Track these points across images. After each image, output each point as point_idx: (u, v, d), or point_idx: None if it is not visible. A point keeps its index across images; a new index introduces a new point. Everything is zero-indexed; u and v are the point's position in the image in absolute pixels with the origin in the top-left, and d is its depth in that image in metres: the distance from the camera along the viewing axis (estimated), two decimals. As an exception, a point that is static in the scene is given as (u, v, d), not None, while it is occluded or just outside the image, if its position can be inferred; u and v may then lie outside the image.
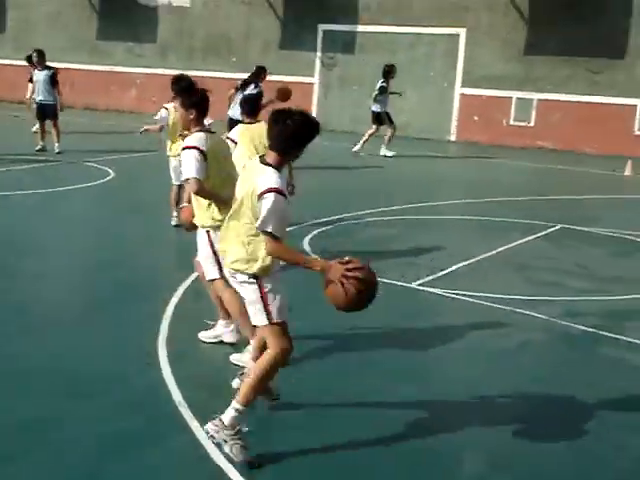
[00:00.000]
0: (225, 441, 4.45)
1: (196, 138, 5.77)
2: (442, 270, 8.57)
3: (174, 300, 7.08)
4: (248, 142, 7.95)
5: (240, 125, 8.25)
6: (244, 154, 7.74)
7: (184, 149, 5.72)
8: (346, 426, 4.94)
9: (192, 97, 5.85)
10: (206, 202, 5.74)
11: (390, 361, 6.07)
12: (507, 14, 20.89)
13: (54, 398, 5.13)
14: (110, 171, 13.68)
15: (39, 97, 15.69)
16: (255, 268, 4.47)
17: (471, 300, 7.59)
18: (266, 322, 4.52)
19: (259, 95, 10.25)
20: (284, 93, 11.46)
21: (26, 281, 7.60)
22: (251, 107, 8.25)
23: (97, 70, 24.90)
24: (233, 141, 7.98)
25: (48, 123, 15.68)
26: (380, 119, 17.94)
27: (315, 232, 10.08)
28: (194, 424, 4.82)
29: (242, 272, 4.52)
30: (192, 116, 5.83)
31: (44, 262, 8.24)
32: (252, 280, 4.51)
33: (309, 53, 22.72)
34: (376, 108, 17.91)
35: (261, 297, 4.49)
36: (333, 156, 18.00)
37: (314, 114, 22.84)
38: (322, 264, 4.29)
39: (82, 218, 10.60)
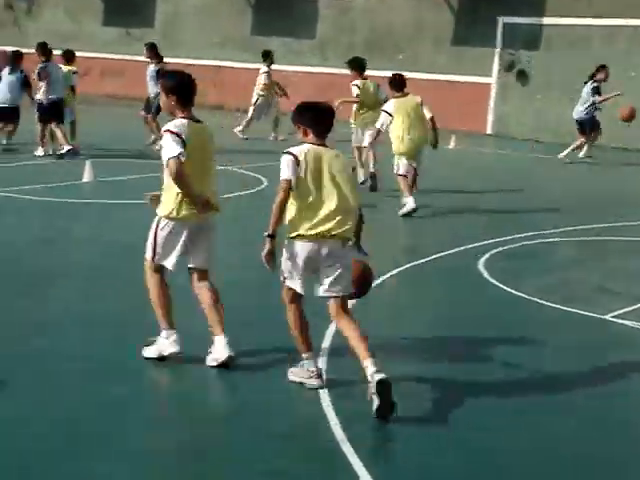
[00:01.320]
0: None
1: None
2: (640, 301, 8.37)
3: (332, 326, 7.19)
4: (404, 114, 11.98)
5: (393, 99, 12.20)
6: (400, 125, 11.97)
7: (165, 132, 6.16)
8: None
9: None
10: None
11: (573, 398, 6.04)
12: None
13: (207, 423, 5.38)
14: (263, 179, 14.05)
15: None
16: None
17: (676, 337, 7.39)
18: None
19: None
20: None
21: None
22: (399, 83, 12.21)
23: (251, 68, 25.64)
24: (389, 114, 12.00)
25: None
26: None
27: (492, 252, 10.06)
28: (355, 462, 4.91)
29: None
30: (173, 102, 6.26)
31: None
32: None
33: (486, 49, 22.60)
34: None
35: None
36: (513, 166, 17.85)
37: (489, 119, 22.73)
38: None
39: (231, 229, 10.95)
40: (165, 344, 6.31)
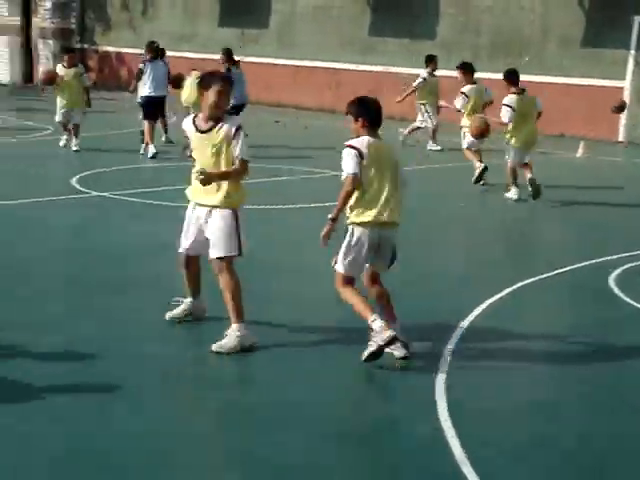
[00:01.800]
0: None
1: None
2: None
3: (457, 334, 7.17)
4: (523, 109, 13.24)
5: (512, 95, 13.18)
6: (517, 120, 13.12)
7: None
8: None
9: None
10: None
11: None
12: None
13: (316, 441, 5.34)
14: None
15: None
16: None
17: None
18: None
19: None
20: None
21: (276, 305, 7.97)
22: (516, 78, 13.40)
23: (368, 70, 25.67)
24: (512, 108, 13.08)
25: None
26: None
27: (625, 266, 9.72)
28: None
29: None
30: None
31: (298, 285, 8.59)
32: None
33: (619, 51, 22.03)
34: None
35: None
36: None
37: (622, 124, 22.11)
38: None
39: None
40: (246, 334, 6.69)
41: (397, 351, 6.49)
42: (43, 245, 9.81)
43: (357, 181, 6.44)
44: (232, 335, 6.67)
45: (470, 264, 10.09)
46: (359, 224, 6.52)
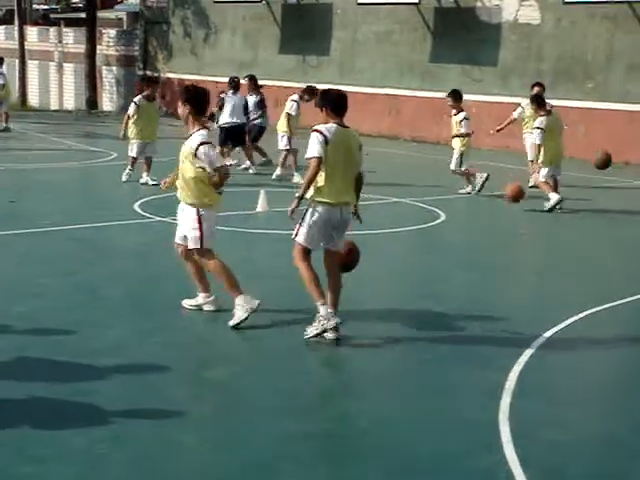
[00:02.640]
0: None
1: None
2: None
3: (517, 368, 7.02)
4: (552, 129, 14.35)
5: (542, 117, 14.40)
6: (547, 139, 14.24)
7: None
8: None
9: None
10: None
11: None
12: None
13: (379, 475, 5.28)
14: (440, 213, 13.95)
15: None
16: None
17: None
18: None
19: None
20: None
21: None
22: (543, 102, 14.67)
23: (428, 97, 25.64)
24: (543, 130, 14.19)
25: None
26: None
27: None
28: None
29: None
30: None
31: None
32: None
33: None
34: None
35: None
36: None
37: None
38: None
39: (407, 266, 10.87)
40: (247, 300, 7.60)
41: (331, 334, 7.33)
42: (106, 267, 9.89)
43: (321, 163, 7.20)
44: (237, 308, 7.63)
45: (540, 289, 9.96)
46: (323, 203, 7.32)
